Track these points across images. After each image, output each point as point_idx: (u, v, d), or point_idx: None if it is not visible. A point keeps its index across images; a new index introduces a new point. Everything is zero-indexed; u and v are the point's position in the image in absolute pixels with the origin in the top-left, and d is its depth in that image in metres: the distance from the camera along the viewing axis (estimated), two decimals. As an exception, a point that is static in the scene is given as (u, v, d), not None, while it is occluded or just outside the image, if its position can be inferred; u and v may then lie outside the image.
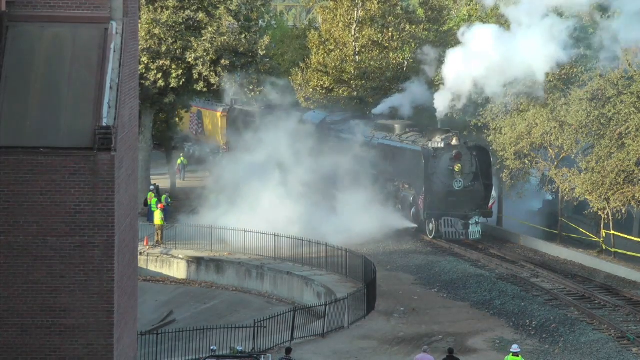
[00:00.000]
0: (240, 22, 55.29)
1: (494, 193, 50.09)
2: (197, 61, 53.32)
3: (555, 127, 48.38)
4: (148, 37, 52.78)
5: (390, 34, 61.91)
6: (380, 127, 53.94)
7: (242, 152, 64.12)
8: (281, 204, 49.80)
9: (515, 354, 28.43)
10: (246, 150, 62.80)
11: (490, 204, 49.81)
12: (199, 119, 74.10)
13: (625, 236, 47.44)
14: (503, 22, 53.29)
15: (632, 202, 45.47)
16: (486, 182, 49.73)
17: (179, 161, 67.81)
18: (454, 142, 49.28)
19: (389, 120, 54.97)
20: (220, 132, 70.35)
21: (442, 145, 49.22)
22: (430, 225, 49.69)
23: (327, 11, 63.70)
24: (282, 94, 64.63)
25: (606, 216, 47.14)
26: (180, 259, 46.89)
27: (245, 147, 63.35)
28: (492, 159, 50.08)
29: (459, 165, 49.06)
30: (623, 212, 46.61)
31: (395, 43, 61.87)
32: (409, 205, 50.29)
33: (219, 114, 70.86)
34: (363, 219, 48.63)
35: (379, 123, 54.45)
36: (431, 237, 49.71)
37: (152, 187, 54.37)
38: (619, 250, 46.52)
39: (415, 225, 50.11)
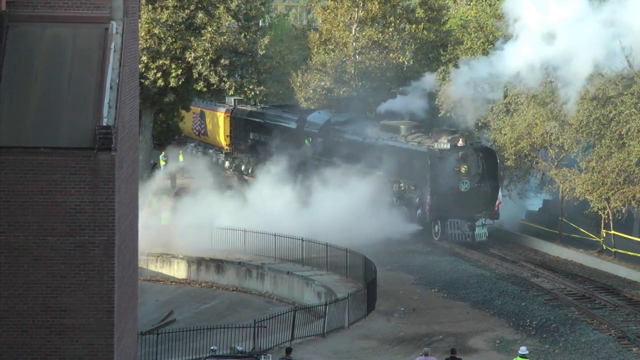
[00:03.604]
0: (240, 22, 55.29)
1: (500, 194, 49.98)
2: (197, 61, 53.31)
3: (555, 127, 48.37)
4: (148, 37, 52.78)
5: (390, 33, 61.93)
6: (386, 127, 53.67)
7: (242, 153, 64.35)
8: (287, 206, 50.04)
9: (523, 356, 28.26)
10: (249, 152, 62.96)
11: (496, 205, 49.69)
12: (201, 120, 74.03)
13: (626, 236, 47.44)
14: (503, 22, 53.36)
15: (633, 202, 45.46)
16: (492, 183, 49.61)
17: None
18: (460, 143, 49.10)
19: (394, 120, 54.70)
20: (223, 133, 70.18)
21: (448, 146, 49.04)
22: (436, 227, 49.53)
23: (327, 11, 63.72)
24: (285, 95, 64.70)
25: (606, 216, 47.13)
26: (181, 259, 46.89)
27: (248, 149, 63.49)
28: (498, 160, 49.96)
29: (465, 166, 48.94)
30: (623, 212, 46.62)
31: (395, 43, 61.89)
32: (415, 207, 50.10)
33: (220, 114, 70.71)
34: (367, 220, 48.55)
35: (384, 124, 54.16)
36: (437, 238, 49.56)
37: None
38: (620, 250, 46.50)
39: (421, 227, 49.92)
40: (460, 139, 49.25)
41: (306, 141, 58.24)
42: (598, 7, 46.66)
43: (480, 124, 52.51)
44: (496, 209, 49.80)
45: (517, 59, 48.33)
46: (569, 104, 46.85)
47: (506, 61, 48.99)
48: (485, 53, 52.85)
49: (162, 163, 65.51)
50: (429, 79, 55.80)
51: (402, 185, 51.55)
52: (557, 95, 47.83)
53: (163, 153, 66.42)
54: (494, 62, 49.74)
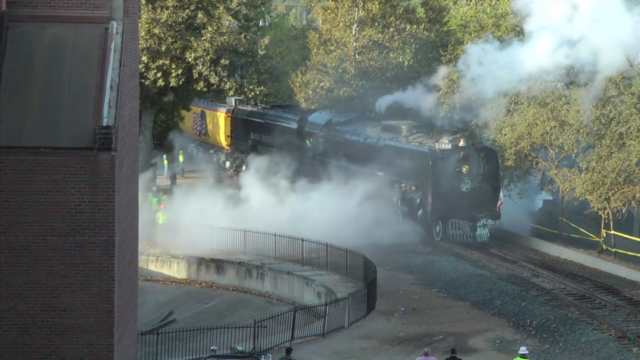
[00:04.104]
0: (240, 22, 55.29)
1: (501, 194, 49.91)
2: (197, 61, 53.29)
3: (555, 127, 48.35)
4: (148, 37, 52.79)
5: (390, 33, 61.91)
6: (387, 128, 53.58)
7: (243, 153, 64.22)
8: (290, 205, 50.07)
9: (523, 356, 28.26)
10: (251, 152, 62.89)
11: (497, 205, 49.63)
12: (202, 120, 74.04)
13: (626, 236, 47.45)
14: (503, 23, 53.33)
15: (633, 202, 45.48)
16: (494, 183, 49.56)
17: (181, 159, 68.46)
18: (461, 143, 49.03)
19: (396, 121, 54.59)
20: (223, 133, 70.16)
21: (450, 146, 48.97)
22: (437, 227, 49.48)
23: (327, 11, 63.70)
24: (285, 95, 64.51)
25: (606, 216, 47.14)
26: (181, 259, 46.89)
27: (249, 149, 63.41)
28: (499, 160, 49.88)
29: (467, 166, 48.88)
30: (623, 212, 46.62)
31: (396, 43, 61.87)
32: (416, 207, 50.05)
33: (220, 114, 70.70)
34: (368, 220, 48.51)
35: (385, 124, 54.06)
36: (438, 239, 49.51)
37: (154, 189, 54.60)
38: (620, 250, 46.51)
39: (422, 227, 49.85)
40: (462, 139, 49.20)
41: (307, 141, 58.22)
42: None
43: (480, 124, 52.41)
44: (497, 209, 49.79)
45: (536, 57, 48.12)
46: (585, 104, 46.78)
47: (524, 59, 48.76)
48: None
49: (164, 162, 65.98)
50: (442, 74, 55.42)
51: (403, 185, 51.51)
52: (579, 96, 47.58)
53: (166, 154, 66.77)
54: (510, 58, 49.50)
